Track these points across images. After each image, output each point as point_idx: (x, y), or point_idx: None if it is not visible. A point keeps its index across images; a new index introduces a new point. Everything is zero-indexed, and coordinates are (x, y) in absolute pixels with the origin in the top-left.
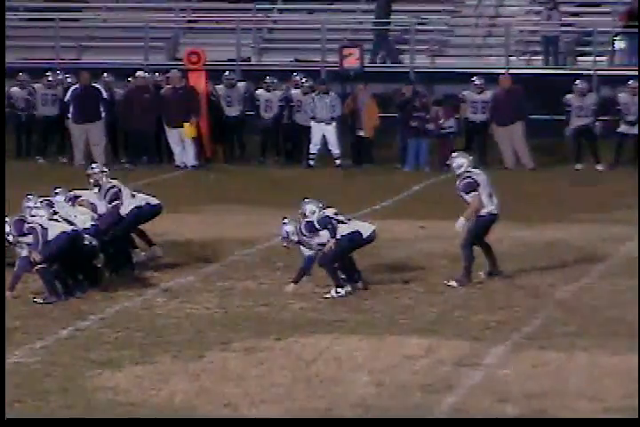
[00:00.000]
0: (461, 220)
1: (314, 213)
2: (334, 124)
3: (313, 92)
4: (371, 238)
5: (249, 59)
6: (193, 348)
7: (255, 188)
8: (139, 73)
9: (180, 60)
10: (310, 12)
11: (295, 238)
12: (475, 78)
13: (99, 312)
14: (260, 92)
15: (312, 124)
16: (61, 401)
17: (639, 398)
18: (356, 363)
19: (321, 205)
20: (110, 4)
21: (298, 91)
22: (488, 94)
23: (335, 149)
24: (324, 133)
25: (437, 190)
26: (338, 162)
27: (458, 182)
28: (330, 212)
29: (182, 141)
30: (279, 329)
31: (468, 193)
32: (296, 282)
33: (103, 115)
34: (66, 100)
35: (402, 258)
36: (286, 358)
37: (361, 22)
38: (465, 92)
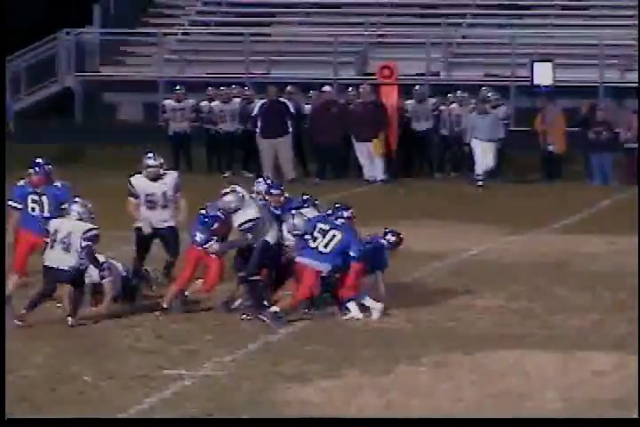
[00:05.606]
0: None
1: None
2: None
3: None
4: None
5: (438, 73)
6: (381, 362)
7: (440, 202)
8: (325, 87)
9: (369, 74)
10: (500, 26)
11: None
12: None
13: (289, 326)
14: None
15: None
16: (251, 415)
17: (639, 397)
18: (545, 378)
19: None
20: (300, 19)
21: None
22: None
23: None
24: None
25: (626, 205)
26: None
27: None
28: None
29: (370, 155)
30: (467, 344)
31: None
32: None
33: (290, 129)
34: (253, 114)
35: (592, 273)
36: (475, 373)
37: (551, 37)
38: None
